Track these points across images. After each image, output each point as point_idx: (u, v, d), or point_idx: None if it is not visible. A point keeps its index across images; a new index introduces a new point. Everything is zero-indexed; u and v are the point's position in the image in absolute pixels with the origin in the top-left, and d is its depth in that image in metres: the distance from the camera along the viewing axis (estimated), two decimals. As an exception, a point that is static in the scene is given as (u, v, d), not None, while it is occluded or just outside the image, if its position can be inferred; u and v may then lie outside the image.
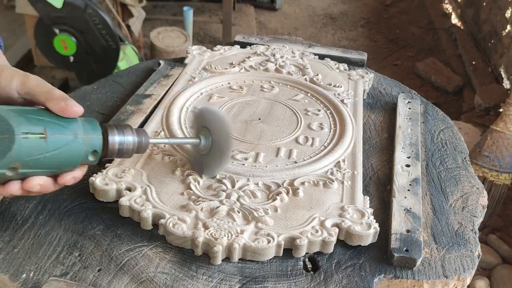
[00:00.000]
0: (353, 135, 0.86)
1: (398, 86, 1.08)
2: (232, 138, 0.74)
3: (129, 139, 0.63)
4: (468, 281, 0.68)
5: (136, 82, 1.02)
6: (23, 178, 0.56)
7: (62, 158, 0.56)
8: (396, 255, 0.65)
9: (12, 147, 0.52)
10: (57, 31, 1.97)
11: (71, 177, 0.60)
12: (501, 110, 2.16)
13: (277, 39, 1.20)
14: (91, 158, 0.60)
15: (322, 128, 0.88)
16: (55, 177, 0.59)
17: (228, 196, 0.71)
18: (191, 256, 0.65)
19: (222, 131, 0.70)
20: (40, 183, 0.57)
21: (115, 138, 0.61)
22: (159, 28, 2.72)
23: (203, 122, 0.72)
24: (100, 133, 0.60)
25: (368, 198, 0.73)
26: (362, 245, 0.67)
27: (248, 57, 1.08)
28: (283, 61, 1.07)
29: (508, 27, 2.66)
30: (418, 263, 0.66)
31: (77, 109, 0.57)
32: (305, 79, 1.02)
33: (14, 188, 0.56)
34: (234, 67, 1.04)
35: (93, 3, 1.96)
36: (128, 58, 2.26)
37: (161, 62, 1.07)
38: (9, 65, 0.63)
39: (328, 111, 0.93)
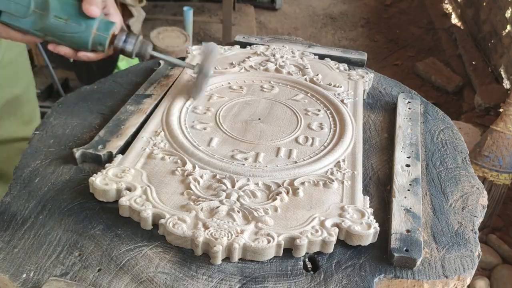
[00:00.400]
0: (353, 135, 0.86)
1: (398, 86, 1.08)
2: (212, 67, 0.90)
3: (130, 44, 0.85)
4: (468, 281, 0.68)
5: (136, 82, 1.02)
6: (57, 43, 0.83)
7: (76, 40, 0.82)
8: (396, 255, 0.65)
9: (45, 22, 0.80)
10: (57, 31, 1.97)
11: (84, 55, 0.84)
12: (501, 110, 2.16)
13: (277, 39, 1.20)
14: (99, 48, 0.84)
15: (322, 128, 0.88)
16: (76, 50, 0.84)
17: (228, 196, 0.71)
18: (191, 256, 0.65)
19: (206, 58, 0.88)
20: (64, 51, 0.83)
21: (120, 40, 0.84)
22: (159, 28, 2.72)
23: (202, 54, 0.91)
24: (108, 34, 0.83)
25: (368, 198, 0.73)
26: (362, 245, 0.67)
27: (248, 57, 1.08)
28: (283, 61, 1.07)
29: (508, 27, 2.66)
30: (418, 263, 0.66)
31: (92, 13, 0.80)
32: (305, 79, 1.02)
33: (51, 47, 0.83)
34: (234, 67, 1.04)
35: (93, 3, 1.96)
36: (128, 58, 2.25)
37: (161, 62, 1.07)
38: None
39: (328, 111, 0.93)
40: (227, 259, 0.65)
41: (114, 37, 0.84)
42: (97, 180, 0.71)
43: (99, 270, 0.63)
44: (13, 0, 0.79)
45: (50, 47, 0.83)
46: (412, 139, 0.88)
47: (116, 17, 0.85)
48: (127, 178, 0.72)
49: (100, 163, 0.79)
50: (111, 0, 0.85)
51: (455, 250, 0.69)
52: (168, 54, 0.97)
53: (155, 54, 0.89)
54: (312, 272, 0.65)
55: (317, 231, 0.66)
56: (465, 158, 0.88)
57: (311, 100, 0.97)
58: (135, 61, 2.31)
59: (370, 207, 0.71)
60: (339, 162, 0.80)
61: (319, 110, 0.93)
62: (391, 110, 0.99)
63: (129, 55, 0.86)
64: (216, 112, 0.90)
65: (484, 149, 1.80)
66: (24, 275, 0.62)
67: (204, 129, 0.85)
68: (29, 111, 1.22)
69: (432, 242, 0.70)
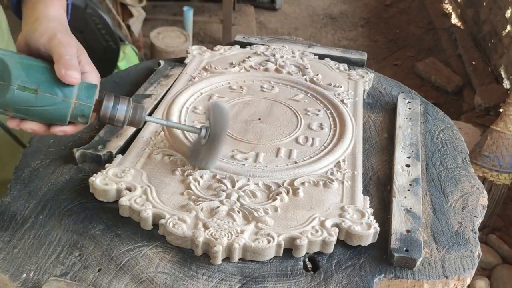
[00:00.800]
0: (353, 135, 0.86)
1: (398, 86, 1.08)
2: (226, 135, 0.76)
3: (122, 111, 0.67)
4: (468, 281, 0.68)
5: (136, 82, 1.02)
6: (21, 118, 0.64)
7: (50, 114, 0.64)
8: (396, 255, 0.65)
9: (5, 95, 0.61)
10: (57, 31, 1.97)
11: (61, 130, 0.66)
12: (501, 110, 2.16)
13: (277, 39, 1.20)
14: (80, 120, 0.66)
15: (322, 128, 0.88)
16: (48, 125, 0.65)
17: (228, 196, 0.71)
18: (191, 256, 0.65)
19: (219, 125, 0.72)
20: (32, 127, 0.65)
21: (109, 107, 0.67)
22: (159, 28, 2.72)
23: (209, 114, 0.74)
24: (92, 102, 0.65)
25: (368, 198, 0.73)
26: (362, 245, 0.67)
27: (248, 57, 1.08)
28: (283, 61, 1.07)
29: (508, 27, 2.66)
30: (418, 263, 0.66)
31: (72, 79, 0.62)
32: (305, 79, 1.02)
33: (13, 124, 0.64)
34: (234, 67, 1.04)
35: (93, 3, 1.96)
36: (128, 58, 2.26)
37: (161, 62, 1.07)
38: (59, 19, 0.71)
39: (328, 111, 0.93)
40: (227, 259, 0.65)
41: (98, 103, 0.67)
42: (97, 180, 0.71)
43: (99, 270, 0.63)
44: None
45: (12, 123, 0.64)
46: (412, 139, 0.88)
47: (94, 75, 0.68)
48: (127, 178, 0.72)
49: (100, 163, 0.79)
50: (84, 54, 0.67)
51: (455, 250, 0.69)
52: (167, 120, 0.79)
53: (152, 120, 0.73)
54: (312, 272, 0.65)
55: (317, 231, 0.66)
56: (465, 158, 0.88)
57: (311, 100, 0.96)
58: (135, 61, 2.30)
59: (370, 207, 0.71)
60: (339, 162, 0.80)
61: (319, 110, 0.93)
62: (391, 110, 0.99)
63: (119, 124, 0.68)
64: (216, 112, 0.90)
65: (484, 149, 1.80)
66: (24, 275, 0.61)
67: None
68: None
69: (432, 242, 0.70)
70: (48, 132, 0.66)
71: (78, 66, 0.64)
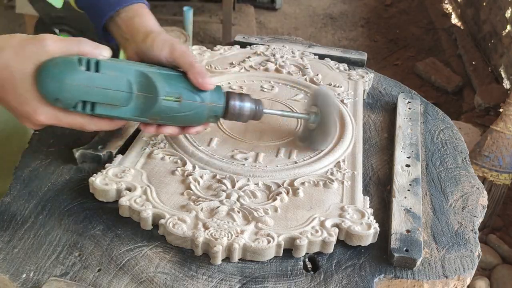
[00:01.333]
0: (353, 135, 0.86)
1: (398, 86, 1.08)
2: (336, 120, 0.83)
3: (247, 107, 0.73)
4: (468, 281, 0.68)
5: (136, 82, 1.02)
6: (159, 124, 0.71)
7: (189, 118, 0.70)
8: (396, 255, 0.65)
9: (154, 106, 0.67)
10: (57, 31, 1.97)
11: (195, 131, 0.74)
12: (501, 110, 2.16)
13: (277, 39, 1.20)
14: (212, 120, 0.73)
15: (322, 128, 0.88)
16: (183, 127, 0.72)
17: (228, 196, 0.71)
18: (191, 256, 0.65)
19: (329, 111, 0.78)
20: (169, 132, 0.72)
21: (235, 105, 0.73)
22: (159, 28, 2.71)
23: (315, 101, 0.80)
24: (223, 102, 0.72)
25: (368, 198, 0.73)
26: (362, 245, 0.67)
27: (248, 57, 1.08)
28: (283, 61, 1.07)
29: (508, 27, 2.66)
30: (418, 263, 0.66)
31: (211, 86, 0.69)
32: (305, 79, 1.02)
33: (151, 129, 0.71)
34: (234, 67, 1.04)
35: (93, 3, 1.96)
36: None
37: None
38: (160, 29, 0.76)
39: (328, 111, 0.93)
40: (227, 259, 0.65)
41: (226, 102, 0.72)
42: (97, 180, 0.71)
43: (99, 270, 0.63)
44: (110, 87, 0.65)
45: (150, 130, 0.71)
46: (412, 139, 0.88)
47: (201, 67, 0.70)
48: (127, 178, 0.72)
49: (100, 163, 0.79)
50: (175, 41, 0.72)
51: (455, 250, 0.69)
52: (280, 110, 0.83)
53: (269, 111, 0.78)
54: (312, 272, 0.65)
55: (317, 231, 0.66)
56: (465, 158, 0.88)
57: (311, 100, 0.96)
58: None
59: (370, 207, 0.71)
60: (339, 162, 0.80)
61: (319, 110, 0.93)
62: (391, 110, 0.99)
63: (244, 119, 0.74)
64: (216, 112, 0.90)
65: (484, 149, 1.80)
66: (24, 275, 0.62)
67: (204, 129, 0.85)
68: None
69: (432, 242, 0.70)
70: (182, 133, 0.74)
71: (208, 72, 0.70)
